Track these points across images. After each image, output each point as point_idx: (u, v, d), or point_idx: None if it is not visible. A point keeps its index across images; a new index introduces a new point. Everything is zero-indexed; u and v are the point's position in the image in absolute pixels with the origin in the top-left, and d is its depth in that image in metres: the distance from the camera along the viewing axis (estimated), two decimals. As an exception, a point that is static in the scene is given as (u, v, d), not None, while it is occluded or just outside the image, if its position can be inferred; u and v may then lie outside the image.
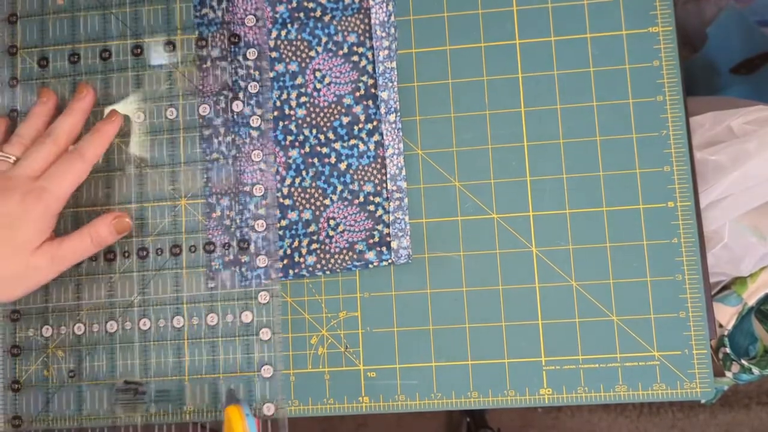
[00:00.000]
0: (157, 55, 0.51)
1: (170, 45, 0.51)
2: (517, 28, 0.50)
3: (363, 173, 0.49)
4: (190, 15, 0.52)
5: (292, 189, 0.50)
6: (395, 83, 0.49)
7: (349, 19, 0.50)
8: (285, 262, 0.49)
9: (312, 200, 0.49)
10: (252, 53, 0.50)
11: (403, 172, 0.49)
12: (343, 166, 0.49)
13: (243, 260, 0.49)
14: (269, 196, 0.49)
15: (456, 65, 0.50)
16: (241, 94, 0.50)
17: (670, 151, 0.48)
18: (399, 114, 0.49)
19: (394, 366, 0.48)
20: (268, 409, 0.48)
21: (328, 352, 0.49)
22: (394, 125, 0.49)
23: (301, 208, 0.49)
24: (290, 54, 0.50)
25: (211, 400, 0.49)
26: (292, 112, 0.50)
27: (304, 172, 0.50)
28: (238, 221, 0.49)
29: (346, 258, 0.48)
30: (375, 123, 0.49)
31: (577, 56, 0.49)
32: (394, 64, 0.49)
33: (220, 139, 0.50)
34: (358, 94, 0.50)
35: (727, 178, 0.56)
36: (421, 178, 0.49)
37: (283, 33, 0.50)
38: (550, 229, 0.48)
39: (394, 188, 0.49)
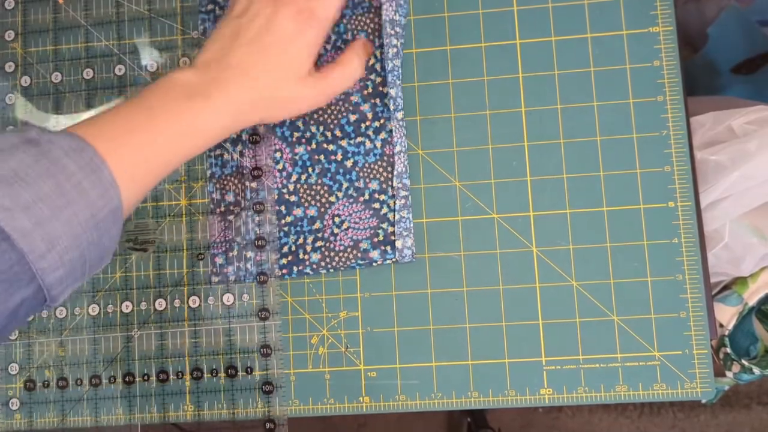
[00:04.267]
0: (148, 56, 0.52)
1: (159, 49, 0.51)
2: (517, 28, 0.50)
3: (369, 171, 0.49)
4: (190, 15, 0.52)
5: (298, 185, 0.50)
6: (401, 81, 0.49)
7: (359, 17, 0.50)
8: (289, 258, 0.49)
9: (317, 197, 0.49)
10: None
11: (408, 171, 0.49)
12: (349, 163, 0.49)
13: (247, 256, 0.49)
14: (274, 191, 0.49)
15: (456, 65, 0.50)
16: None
17: (670, 151, 0.48)
18: (404, 112, 0.49)
19: (394, 366, 0.48)
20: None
21: (329, 352, 0.49)
22: (401, 122, 0.49)
23: (306, 204, 0.49)
24: None
25: (212, 400, 0.49)
26: None
27: (310, 169, 0.50)
28: (243, 217, 0.49)
29: (350, 256, 0.48)
30: (382, 121, 0.49)
31: (578, 56, 0.49)
32: (399, 62, 0.49)
33: None
34: (366, 92, 0.49)
35: (727, 178, 0.56)
36: (421, 178, 0.49)
37: None
38: (551, 229, 0.48)
39: (400, 185, 0.49)
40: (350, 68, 0.45)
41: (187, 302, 0.49)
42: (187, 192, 0.50)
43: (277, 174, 0.50)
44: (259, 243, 0.49)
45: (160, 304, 0.50)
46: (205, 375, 0.49)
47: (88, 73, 0.52)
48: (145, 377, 0.49)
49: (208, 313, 0.49)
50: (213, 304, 0.49)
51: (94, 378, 0.49)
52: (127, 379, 0.49)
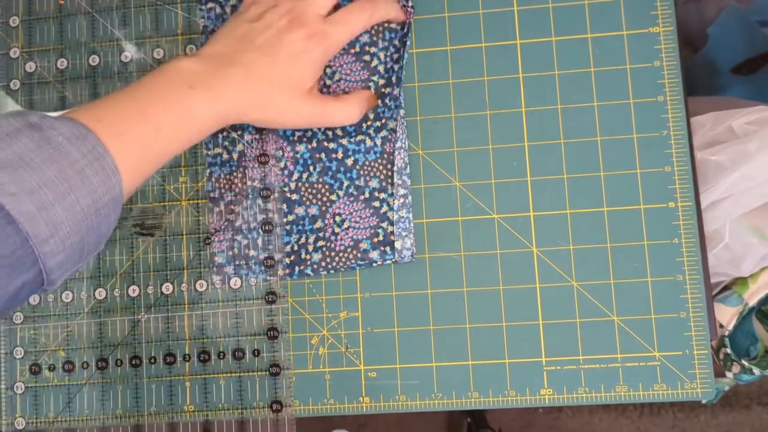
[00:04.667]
0: (154, 43, 0.52)
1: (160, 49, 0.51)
2: (517, 28, 0.50)
3: (369, 169, 0.49)
4: (182, 23, 0.52)
5: (300, 184, 0.50)
6: (404, 81, 0.49)
7: None
8: (292, 258, 0.49)
9: (318, 195, 0.49)
10: None
11: (408, 169, 0.49)
12: (349, 161, 0.49)
13: (251, 254, 0.49)
14: (276, 191, 0.49)
15: (457, 65, 0.50)
16: None
17: (671, 152, 0.48)
18: (405, 111, 0.49)
19: (394, 366, 0.48)
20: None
21: (329, 353, 0.49)
22: (402, 119, 0.49)
23: (307, 203, 0.49)
24: None
25: (219, 382, 0.49)
26: None
27: (311, 167, 0.50)
28: (245, 216, 0.49)
29: (350, 257, 0.48)
30: (383, 120, 0.49)
31: (578, 56, 0.49)
32: (402, 63, 0.49)
33: (224, 134, 0.50)
34: None
35: (727, 178, 0.56)
36: (422, 178, 0.49)
37: None
38: (551, 230, 0.48)
39: (400, 182, 0.48)
40: (349, 110, 0.47)
41: (195, 286, 0.49)
42: (187, 192, 0.50)
43: (279, 172, 0.50)
44: (267, 228, 0.49)
45: (167, 288, 0.50)
46: (213, 357, 0.49)
47: (94, 60, 0.52)
48: (152, 360, 0.49)
49: (215, 296, 0.49)
50: (220, 288, 0.49)
51: (100, 361, 0.50)
52: (133, 362, 0.49)
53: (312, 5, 0.45)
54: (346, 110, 0.47)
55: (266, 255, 0.49)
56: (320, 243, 0.49)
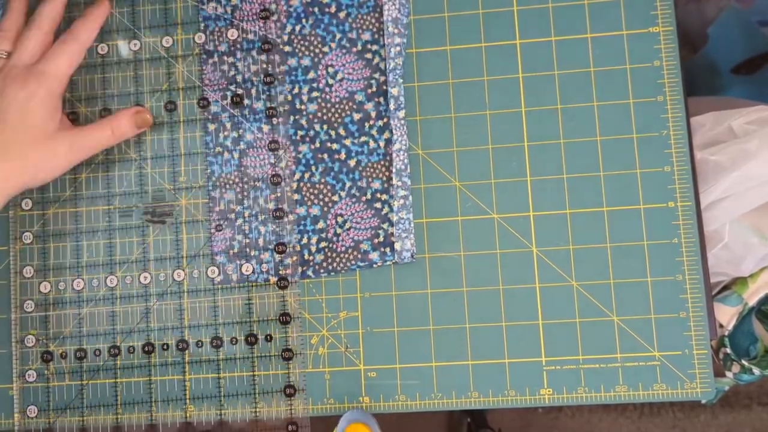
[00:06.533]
0: (157, 51, 0.52)
1: (169, 39, 0.51)
2: (517, 28, 0.50)
3: (372, 170, 0.49)
4: (190, 12, 0.52)
5: (301, 184, 0.50)
6: (403, 80, 0.49)
7: (364, 16, 0.50)
8: (294, 258, 0.49)
9: (320, 196, 0.49)
10: (265, 47, 0.50)
11: (408, 170, 0.49)
12: (352, 162, 0.49)
13: (252, 254, 0.49)
14: (280, 190, 0.49)
15: (457, 65, 0.50)
16: (254, 90, 0.50)
17: (670, 151, 0.48)
18: (405, 111, 0.49)
19: (394, 366, 0.48)
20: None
21: (329, 352, 0.49)
22: (402, 121, 0.49)
23: (309, 203, 0.49)
24: (303, 48, 0.50)
25: (232, 367, 0.49)
26: (303, 107, 0.50)
27: (313, 168, 0.50)
28: (246, 215, 0.49)
29: (351, 257, 0.48)
30: (386, 120, 0.49)
31: (578, 56, 0.49)
32: (401, 61, 0.49)
33: (226, 133, 0.50)
34: (370, 91, 0.49)
35: (727, 178, 0.56)
36: (421, 178, 0.49)
37: (297, 27, 0.50)
38: (551, 229, 0.48)
39: (399, 184, 0.48)
40: (101, 136, 0.48)
41: (206, 273, 0.49)
42: (187, 192, 0.50)
43: (280, 172, 0.50)
44: (278, 214, 0.49)
45: (179, 275, 0.50)
46: (225, 343, 0.49)
47: (102, 48, 0.52)
48: (165, 347, 0.49)
49: (227, 282, 0.49)
50: (232, 274, 0.49)
51: (112, 348, 0.50)
52: (146, 348, 0.49)
53: (19, 58, 0.46)
54: (98, 135, 0.48)
55: (276, 241, 0.49)
56: (323, 244, 0.49)
